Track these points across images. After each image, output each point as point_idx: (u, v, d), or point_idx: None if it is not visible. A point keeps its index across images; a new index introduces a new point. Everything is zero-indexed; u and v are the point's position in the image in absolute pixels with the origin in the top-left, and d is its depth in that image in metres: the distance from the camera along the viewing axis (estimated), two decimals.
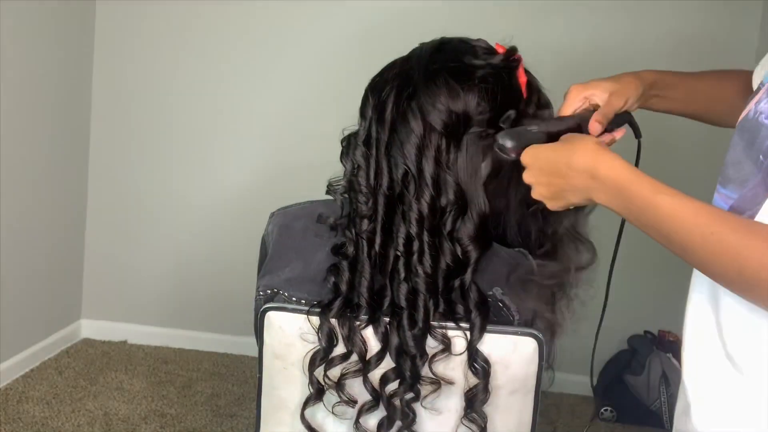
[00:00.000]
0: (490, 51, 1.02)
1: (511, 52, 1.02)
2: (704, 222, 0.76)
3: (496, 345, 0.94)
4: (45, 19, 2.70)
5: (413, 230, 0.94)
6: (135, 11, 2.98)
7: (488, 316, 0.93)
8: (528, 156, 0.91)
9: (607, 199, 0.84)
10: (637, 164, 0.99)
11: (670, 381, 2.61)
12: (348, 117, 1.07)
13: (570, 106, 1.03)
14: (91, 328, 3.14)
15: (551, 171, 0.89)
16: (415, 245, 0.94)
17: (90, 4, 2.96)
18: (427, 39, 1.06)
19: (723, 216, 0.78)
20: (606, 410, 2.73)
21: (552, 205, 0.92)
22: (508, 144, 0.92)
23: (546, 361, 1.01)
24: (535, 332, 0.95)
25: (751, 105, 0.86)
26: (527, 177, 0.92)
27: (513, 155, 0.93)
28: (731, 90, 1.07)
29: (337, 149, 1.04)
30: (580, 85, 1.03)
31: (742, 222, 0.78)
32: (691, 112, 1.14)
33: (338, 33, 2.91)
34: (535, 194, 0.92)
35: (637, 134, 1.07)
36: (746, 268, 0.73)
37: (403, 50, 1.05)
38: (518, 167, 1.00)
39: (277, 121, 2.99)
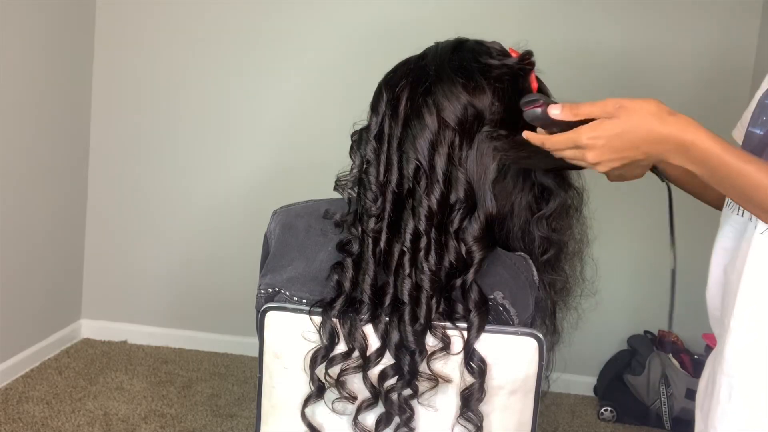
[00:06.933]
0: (505, 53, 1.02)
1: (527, 55, 1.02)
2: None
3: (497, 345, 0.94)
4: (45, 18, 2.70)
5: (422, 226, 0.94)
6: (135, 11, 2.98)
7: (487, 316, 0.93)
8: (588, 138, 0.90)
9: (683, 162, 0.90)
10: (671, 209, 1.05)
11: (670, 381, 2.61)
12: (350, 118, 1.06)
13: (590, 110, 1.01)
14: (91, 328, 3.14)
15: (623, 146, 0.89)
16: (423, 242, 0.94)
17: (90, 4, 2.96)
18: (431, 43, 1.06)
19: None
20: (606, 410, 2.73)
21: (618, 175, 0.99)
22: (537, 112, 0.93)
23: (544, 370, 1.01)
24: (536, 332, 0.95)
25: None
26: (592, 157, 0.91)
27: (526, 109, 0.93)
28: None
29: (338, 149, 1.04)
30: (614, 101, 1.06)
31: None
32: (689, 188, 1.23)
33: (342, 34, 2.91)
34: (602, 169, 0.93)
35: (662, 179, 1.07)
36: None
37: (410, 52, 1.04)
38: (524, 170, 1.00)
39: (278, 121, 2.99)
